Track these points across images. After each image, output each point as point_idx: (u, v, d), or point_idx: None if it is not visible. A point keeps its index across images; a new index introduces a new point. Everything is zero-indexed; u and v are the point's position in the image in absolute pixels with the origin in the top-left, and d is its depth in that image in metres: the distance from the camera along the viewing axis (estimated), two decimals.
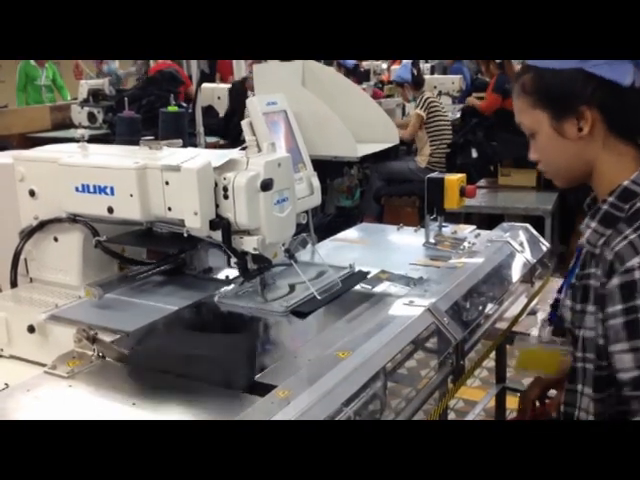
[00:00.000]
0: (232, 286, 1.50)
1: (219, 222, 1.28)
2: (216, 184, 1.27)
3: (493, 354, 2.52)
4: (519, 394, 1.58)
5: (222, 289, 1.48)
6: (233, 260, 1.37)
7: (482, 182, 4.87)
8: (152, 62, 6.24)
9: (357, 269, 1.59)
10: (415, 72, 5.23)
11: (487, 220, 4.22)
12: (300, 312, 1.37)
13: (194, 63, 3.16)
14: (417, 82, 5.24)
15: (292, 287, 1.49)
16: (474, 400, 2.90)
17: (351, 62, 6.74)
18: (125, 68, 6.98)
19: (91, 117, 5.25)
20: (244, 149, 1.32)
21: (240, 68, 6.61)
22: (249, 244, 1.29)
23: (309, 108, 1.91)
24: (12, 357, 1.43)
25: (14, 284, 1.54)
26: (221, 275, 1.62)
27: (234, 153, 1.32)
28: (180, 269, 1.62)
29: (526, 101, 1.23)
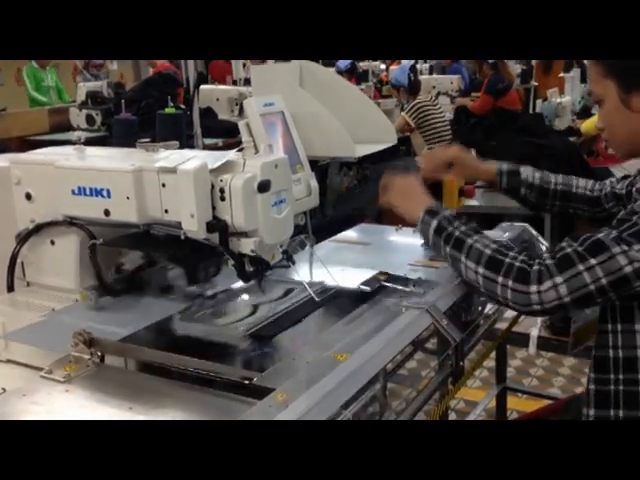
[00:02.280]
0: (192, 307, 1.42)
1: (216, 224, 1.27)
2: (213, 186, 1.26)
3: (493, 354, 2.53)
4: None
5: (180, 310, 1.39)
6: (230, 262, 1.36)
7: (481, 182, 4.85)
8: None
9: (329, 285, 1.48)
10: (412, 77, 5.20)
11: (487, 220, 4.21)
12: (260, 336, 1.28)
13: (191, 65, 3.15)
14: (413, 87, 5.20)
15: (255, 307, 1.41)
16: (475, 400, 2.89)
17: (344, 64, 6.72)
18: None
19: (90, 119, 5.24)
20: (241, 150, 1.32)
21: (239, 70, 6.60)
22: (246, 246, 1.28)
23: (307, 109, 1.90)
24: (9, 361, 1.42)
25: (11, 288, 1.54)
26: (180, 294, 1.52)
27: (231, 155, 1.31)
28: (140, 287, 1.53)
29: (599, 69, 1.30)
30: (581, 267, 1.18)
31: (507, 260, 1.25)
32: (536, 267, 1.21)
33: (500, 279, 1.24)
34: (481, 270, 1.28)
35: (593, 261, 1.17)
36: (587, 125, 5.03)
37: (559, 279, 1.18)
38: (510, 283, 1.23)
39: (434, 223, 1.39)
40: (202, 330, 1.32)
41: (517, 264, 1.24)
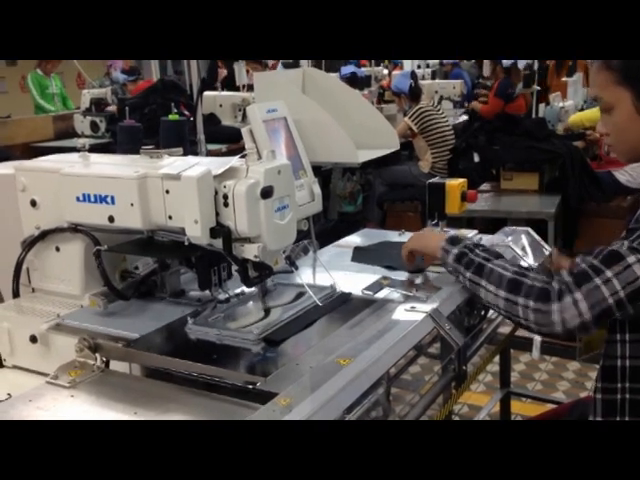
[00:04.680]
0: (205, 311, 1.41)
1: (220, 230, 1.28)
2: (216, 192, 1.27)
3: (497, 359, 2.53)
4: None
5: (193, 314, 1.38)
6: (234, 268, 1.37)
7: (484, 186, 4.86)
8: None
9: (339, 290, 1.50)
10: (413, 83, 5.21)
11: (490, 224, 4.22)
12: (272, 340, 1.29)
13: (194, 71, 3.17)
14: (414, 93, 5.22)
15: (267, 311, 1.42)
16: (479, 405, 2.89)
17: (344, 73, 6.76)
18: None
19: (94, 126, 5.27)
20: (244, 157, 1.33)
21: (242, 75, 6.62)
22: (250, 252, 1.29)
23: (309, 115, 1.91)
24: (15, 367, 1.43)
25: (16, 294, 1.55)
26: (192, 298, 1.51)
27: (234, 161, 1.32)
28: (151, 292, 1.53)
29: (611, 77, 1.27)
30: (598, 281, 1.17)
31: (527, 281, 1.25)
32: (556, 285, 1.21)
33: (521, 300, 1.24)
34: (502, 293, 1.28)
35: (609, 273, 1.17)
36: (574, 119, 5.05)
37: (578, 295, 1.18)
38: (531, 304, 1.22)
39: (455, 250, 1.41)
40: (215, 334, 1.32)
41: (538, 285, 1.24)
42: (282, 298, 1.48)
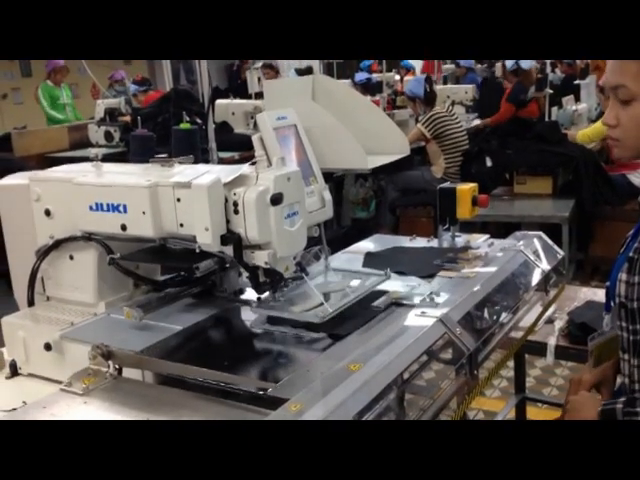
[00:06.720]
0: (266, 294, 1.43)
1: (230, 237, 1.29)
2: (226, 199, 1.28)
3: (512, 364, 2.51)
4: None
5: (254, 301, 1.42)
6: (245, 274, 1.38)
7: (498, 190, 4.85)
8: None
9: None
10: (427, 88, 5.21)
11: (503, 229, 4.20)
12: (337, 335, 1.32)
13: (205, 80, 3.20)
14: (429, 98, 5.21)
15: (327, 296, 1.44)
16: (494, 411, 2.87)
17: (359, 78, 6.79)
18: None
19: (108, 136, 5.33)
20: (254, 164, 1.34)
21: (253, 83, 6.67)
22: (260, 258, 1.30)
23: (319, 122, 1.93)
24: (30, 375, 1.45)
25: (31, 303, 1.57)
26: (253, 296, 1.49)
27: (244, 168, 1.33)
28: (210, 291, 1.56)
29: None
30: None
31: None
32: None
33: None
34: None
35: None
36: (582, 138, 4.96)
37: None
38: None
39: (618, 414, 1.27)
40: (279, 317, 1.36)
41: None
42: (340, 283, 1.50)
